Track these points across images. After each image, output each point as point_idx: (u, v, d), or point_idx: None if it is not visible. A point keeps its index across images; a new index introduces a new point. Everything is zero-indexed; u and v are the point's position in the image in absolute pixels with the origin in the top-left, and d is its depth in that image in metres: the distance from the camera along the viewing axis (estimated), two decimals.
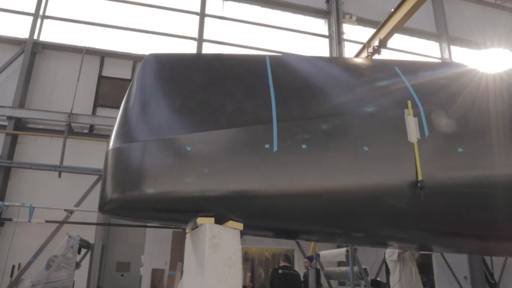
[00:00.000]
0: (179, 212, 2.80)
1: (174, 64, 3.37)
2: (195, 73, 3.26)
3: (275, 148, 2.73)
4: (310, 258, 8.49)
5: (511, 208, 3.18)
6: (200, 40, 13.78)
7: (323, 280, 9.63)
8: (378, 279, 9.41)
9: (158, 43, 13.36)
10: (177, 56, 3.57)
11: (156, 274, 10.82)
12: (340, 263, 10.25)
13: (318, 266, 9.62)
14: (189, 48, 13.62)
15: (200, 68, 3.33)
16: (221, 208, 2.71)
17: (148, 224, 10.37)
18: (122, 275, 13.68)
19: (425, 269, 12.66)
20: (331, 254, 9.12)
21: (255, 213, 2.82)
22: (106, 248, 13.25)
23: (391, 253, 7.02)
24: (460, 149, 3.01)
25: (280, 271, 7.19)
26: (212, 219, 2.70)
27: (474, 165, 3.08)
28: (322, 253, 9.45)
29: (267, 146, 2.73)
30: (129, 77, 12.40)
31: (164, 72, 3.27)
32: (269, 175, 2.71)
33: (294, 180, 2.75)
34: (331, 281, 9.61)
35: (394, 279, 6.57)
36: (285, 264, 7.31)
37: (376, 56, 10.80)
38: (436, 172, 2.95)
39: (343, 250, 8.46)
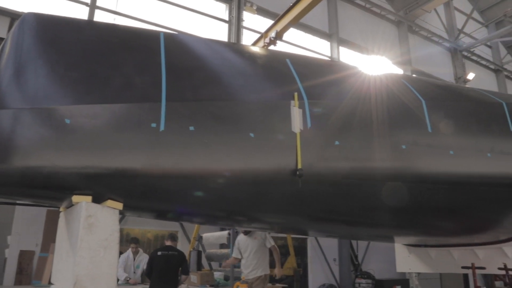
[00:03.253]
0: (52, 189, 2.60)
1: (59, 28, 3.05)
2: (83, 41, 3.00)
3: (161, 128, 2.67)
4: None
5: (378, 198, 3.56)
6: (92, 6, 12.74)
7: (204, 262, 9.79)
8: None
9: (42, 2, 12.05)
10: (64, 19, 3.22)
11: (25, 257, 9.89)
12: (222, 246, 10.50)
13: (200, 248, 9.75)
14: (79, 13, 12.52)
15: (89, 36, 3.07)
16: (99, 187, 2.59)
17: (17, 202, 9.42)
18: None
19: (300, 252, 13.60)
20: (214, 236, 9.31)
21: (136, 193, 2.75)
22: None
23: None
24: (337, 142, 3.27)
25: (159, 253, 6.94)
26: (89, 198, 2.56)
27: (347, 157, 3.36)
28: (205, 235, 9.60)
29: (153, 125, 2.66)
30: (4, 36, 11.00)
31: (46, 35, 2.95)
32: (153, 155, 2.65)
33: (178, 162, 2.73)
34: (212, 263, 9.81)
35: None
36: (169, 243, 7.11)
37: (271, 47, 11.14)
38: (314, 162, 3.17)
39: (225, 233, 8.68)
